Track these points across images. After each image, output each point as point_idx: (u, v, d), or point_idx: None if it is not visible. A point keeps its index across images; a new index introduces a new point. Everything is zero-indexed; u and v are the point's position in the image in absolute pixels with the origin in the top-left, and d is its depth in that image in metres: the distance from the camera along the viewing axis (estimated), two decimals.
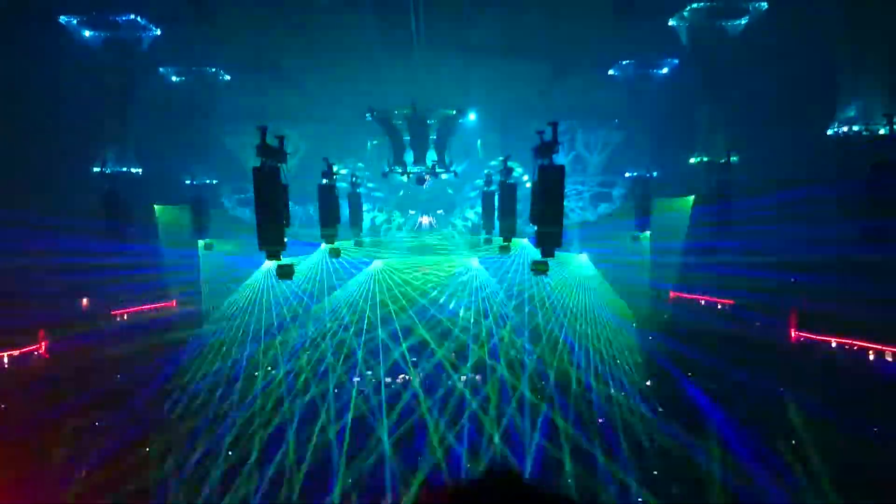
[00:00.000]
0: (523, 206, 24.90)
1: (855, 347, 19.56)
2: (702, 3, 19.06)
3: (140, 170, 22.26)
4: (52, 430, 16.80)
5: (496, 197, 24.42)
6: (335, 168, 23.72)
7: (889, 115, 15.52)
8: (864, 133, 16.20)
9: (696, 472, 16.95)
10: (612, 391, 22.16)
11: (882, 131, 15.78)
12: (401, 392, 22.86)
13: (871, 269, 16.87)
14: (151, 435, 18.56)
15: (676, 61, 23.44)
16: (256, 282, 27.47)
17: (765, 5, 19.00)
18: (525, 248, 26.20)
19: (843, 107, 16.59)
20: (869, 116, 16.15)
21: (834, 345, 19.97)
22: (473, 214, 37.06)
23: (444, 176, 26.51)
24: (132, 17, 20.24)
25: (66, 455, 16.49)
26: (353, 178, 26.82)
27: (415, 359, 24.89)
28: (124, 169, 22.41)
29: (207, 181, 25.88)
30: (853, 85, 16.48)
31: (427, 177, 25.51)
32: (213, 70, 24.86)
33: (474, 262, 30.18)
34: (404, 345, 25.08)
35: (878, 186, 15.31)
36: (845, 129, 16.36)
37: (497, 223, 24.17)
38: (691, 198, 27.68)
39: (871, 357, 18.99)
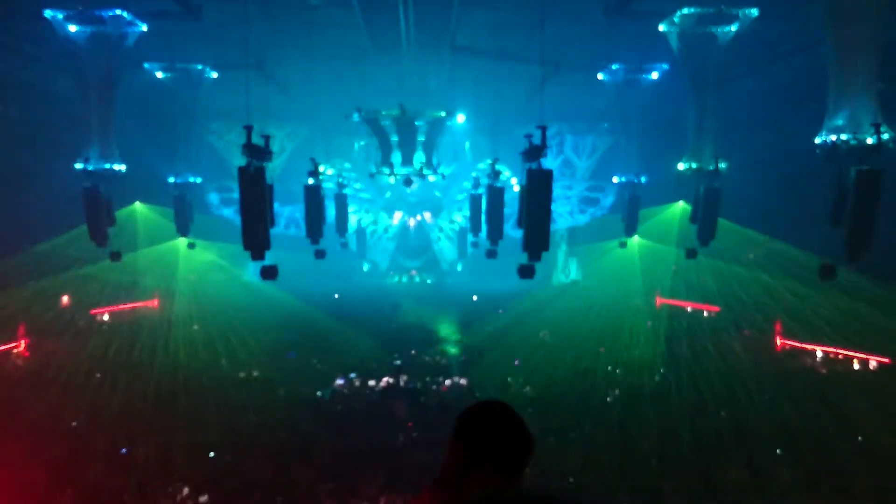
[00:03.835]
0: (511, 209, 24.79)
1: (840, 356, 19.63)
2: (692, 9, 18.97)
3: (124, 166, 21.82)
4: None
5: (483, 200, 24.26)
6: (321, 168, 23.49)
7: (877, 125, 15.52)
8: (853, 142, 16.15)
9: None
10: None
11: (870, 140, 15.75)
12: None
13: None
14: None
15: (666, 66, 23.35)
16: None
17: (755, 12, 18.94)
18: None
19: (832, 115, 16.54)
20: (857, 125, 16.10)
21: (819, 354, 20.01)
22: (461, 217, 36.95)
23: (431, 178, 26.33)
24: (118, 12, 19.87)
25: None
26: (340, 179, 26.60)
27: None
28: (108, 166, 21.95)
29: (191, 180, 25.48)
30: (841, 94, 16.43)
31: (414, 179, 25.33)
32: (200, 67, 24.53)
33: None
34: None
35: (864, 194, 15.33)
36: (833, 137, 16.29)
37: (484, 226, 24.01)
38: (679, 203, 27.66)
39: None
